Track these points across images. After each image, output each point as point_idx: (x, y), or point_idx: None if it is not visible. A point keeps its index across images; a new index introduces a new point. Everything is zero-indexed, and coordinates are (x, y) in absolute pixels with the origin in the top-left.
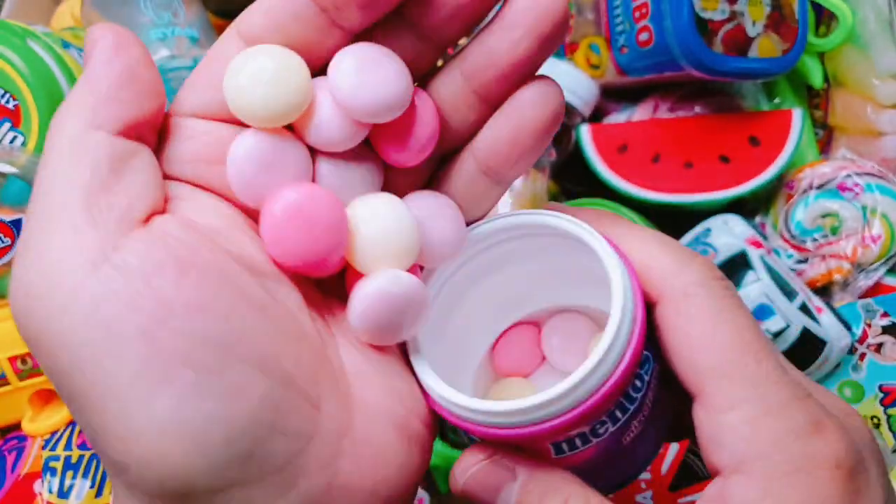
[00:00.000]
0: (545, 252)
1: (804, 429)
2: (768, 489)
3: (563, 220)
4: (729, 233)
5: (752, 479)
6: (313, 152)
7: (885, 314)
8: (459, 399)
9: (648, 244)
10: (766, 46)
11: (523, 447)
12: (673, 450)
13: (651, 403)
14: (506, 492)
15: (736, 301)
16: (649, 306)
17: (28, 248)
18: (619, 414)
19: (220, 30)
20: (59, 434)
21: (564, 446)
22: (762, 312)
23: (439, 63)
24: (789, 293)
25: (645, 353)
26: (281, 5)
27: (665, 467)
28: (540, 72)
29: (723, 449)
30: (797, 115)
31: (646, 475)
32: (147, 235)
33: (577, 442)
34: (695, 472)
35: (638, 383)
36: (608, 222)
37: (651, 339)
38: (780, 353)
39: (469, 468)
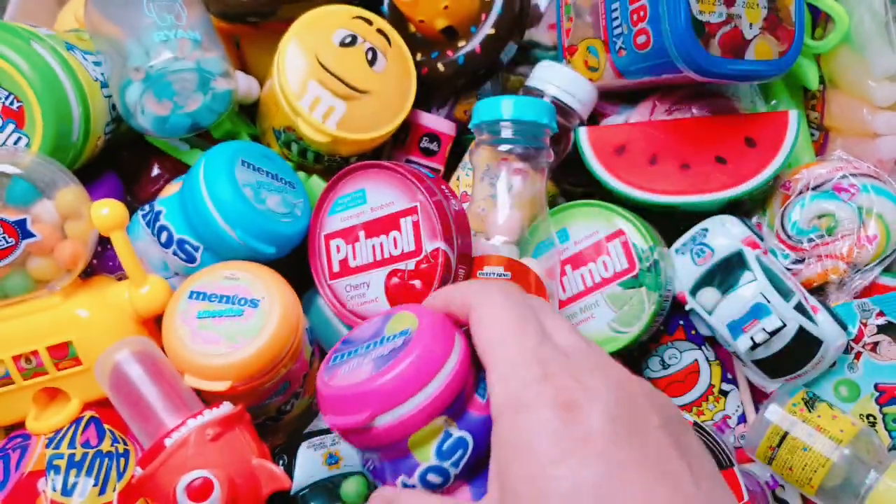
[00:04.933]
0: None
1: (534, 379)
2: (506, 420)
3: None
4: (726, 233)
5: (496, 424)
6: None
7: (881, 314)
8: None
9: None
10: (762, 49)
11: None
12: None
13: None
14: None
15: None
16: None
17: None
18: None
19: (222, 32)
20: (62, 432)
21: None
22: (758, 311)
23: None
24: (785, 293)
25: None
26: None
27: None
28: (539, 74)
29: (492, 404)
30: (793, 116)
31: None
32: None
33: None
34: None
35: None
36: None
37: None
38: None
39: None
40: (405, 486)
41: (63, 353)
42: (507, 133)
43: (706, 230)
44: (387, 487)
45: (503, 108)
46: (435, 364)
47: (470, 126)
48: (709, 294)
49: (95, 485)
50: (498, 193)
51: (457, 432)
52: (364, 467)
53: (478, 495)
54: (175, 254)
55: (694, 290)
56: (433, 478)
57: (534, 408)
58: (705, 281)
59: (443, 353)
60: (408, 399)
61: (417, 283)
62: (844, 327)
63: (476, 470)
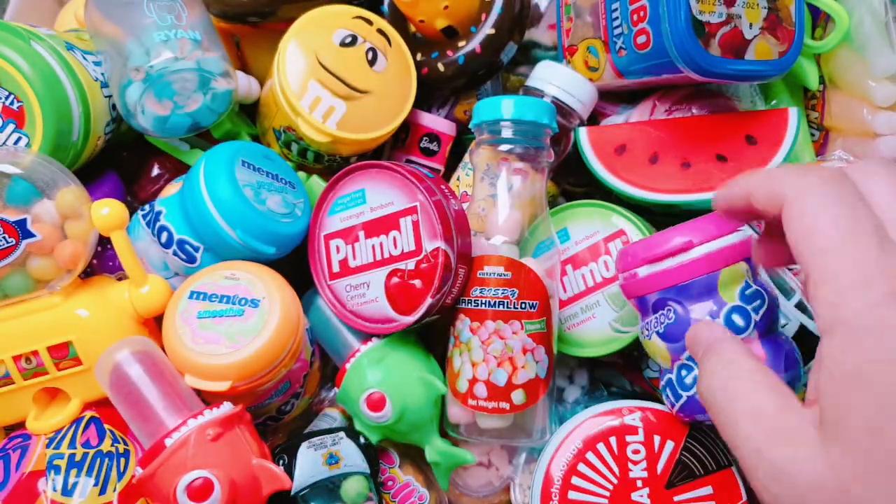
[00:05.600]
0: None
1: (881, 300)
2: (845, 347)
3: None
4: None
5: (833, 338)
6: None
7: None
8: None
9: None
10: (762, 49)
11: None
12: (668, 448)
13: None
14: None
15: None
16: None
17: None
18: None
19: (222, 32)
20: (62, 432)
21: None
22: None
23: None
24: (786, 291)
25: None
26: None
27: (661, 466)
28: (539, 74)
29: (818, 317)
30: (793, 113)
31: (642, 473)
32: None
33: None
34: (691, 469)
35: None
36: None
37: None
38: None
39: None
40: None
41: (63, 353)
42: (507, 133)
43: None
44: (708, 325)
45: (503, 107)
46: (731, 223)
47: (470, 126)
48: None
49: (96, 485)
50: (498, 193)
51: (754, 285)
52: (651, 331)
53: (772, 356)
54: (175, 254)
55: None
56: (738, 319)
57: (884, 333)
58: None
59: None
60: (724, 235)
61: (418, 282)
62: None
63: (769, 329)
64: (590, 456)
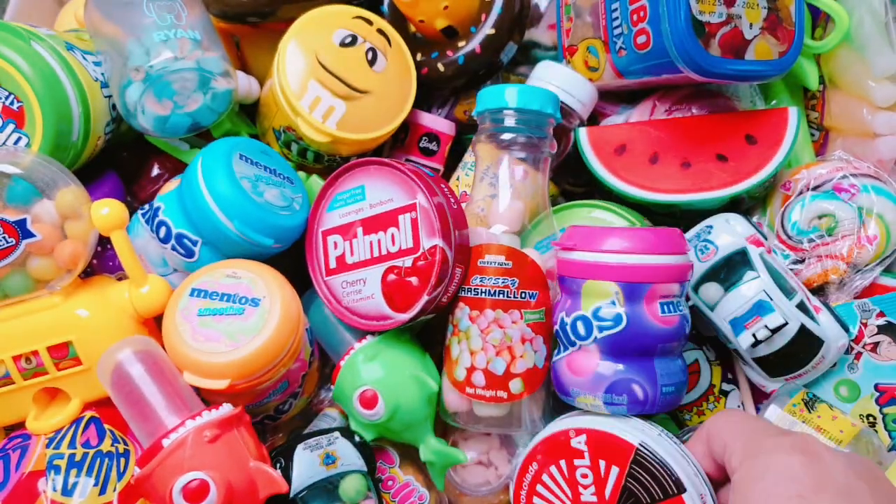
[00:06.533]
0: None
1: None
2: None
3: None
4: (730, 231)
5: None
6: None
7: (881, 314)
8: None
9: None
10: (762, 49)
11: None
12: (613, 473)
13: (682, 326)
14: None
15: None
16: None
17: None
18: (683, 301)
19: (222, 32)
20: (62, 432)
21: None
22: (760, 308)
23: None
24: (788, 291)
25: None
26: None
27: (608, 492)
28: (539, 74)
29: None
30: (793, 113)
31: (592, 498)
32: None
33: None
34: (637, 497)
35: None
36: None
37: None
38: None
39: None
40: (562, 323)
41: (63, 353)
42: (510, 122)
43: (711, 227)
44: None
45: (507, 96)
46: (637, 248)
47: (473, 114)
48: (712, 290)
49: (95, 485)
50: (500, 182)
51: (619, 308)
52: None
53: (602, 370)
54: (174, 248)
55: (697, 286)
56: (580, 326)
57: (773, 453)
58: (708, 277)
59: (647, 249)
60: (600, 252)
61: (414, 279)
62: (846, 328)
63: (621, 351)
64: (545, 478)
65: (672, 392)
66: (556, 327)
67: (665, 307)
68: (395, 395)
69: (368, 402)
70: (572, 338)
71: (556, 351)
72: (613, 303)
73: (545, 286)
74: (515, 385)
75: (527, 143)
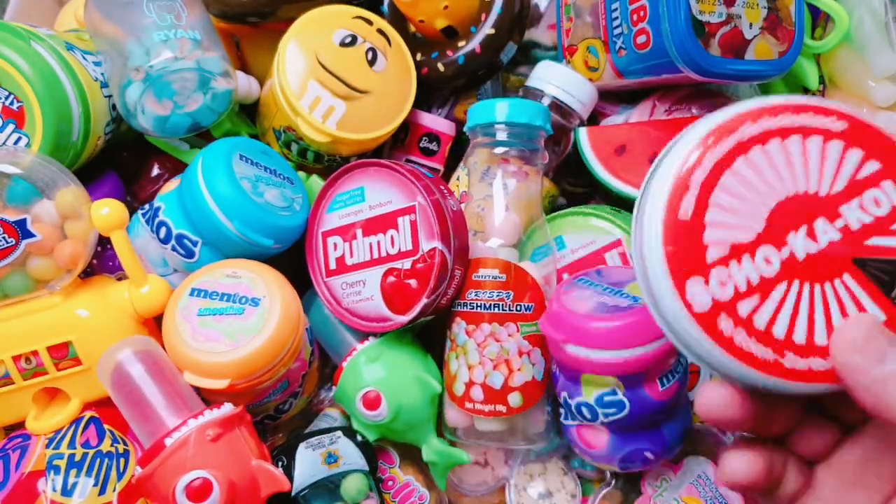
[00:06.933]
0: None
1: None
2: None
3: None
4: None
5: None
6: None
7: None
8: None
9: None
10: (762, 49)
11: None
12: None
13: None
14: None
15: None
16: None
17: None
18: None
19: (222, 32)
20: (62, 433)
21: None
22: None
23: None
24: None
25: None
26: None
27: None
28: (539, 74)
29: None
30: None
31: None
32: None
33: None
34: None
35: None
36: None
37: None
38: None
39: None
40: (566, 400)
41: (63, 353)
42: (501, 136)
43: None
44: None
45: (497, 110)
46: (633, 340)
47: (465, 129)
48: None
49: (95, 485)
50: (494, 196)
51: (621, 395)
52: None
53: (613, 445)
54: (174, 249)
55: None
56: (585, 411)
57: None
58: None
59: (644, 338)
60: (597, 349)
61: (413, 282)
62: None
63: (621, 429)
64: (755, 154)
65: (681, 442)
66: (560, 400)
67: (663, 381)
68: (397, 395)
69: (371, 403)
70: (578, 417)
71: (563, 414)
72: (615, 391)
73: (541, 298)
74: (514, 399)
75: (519, 155)
